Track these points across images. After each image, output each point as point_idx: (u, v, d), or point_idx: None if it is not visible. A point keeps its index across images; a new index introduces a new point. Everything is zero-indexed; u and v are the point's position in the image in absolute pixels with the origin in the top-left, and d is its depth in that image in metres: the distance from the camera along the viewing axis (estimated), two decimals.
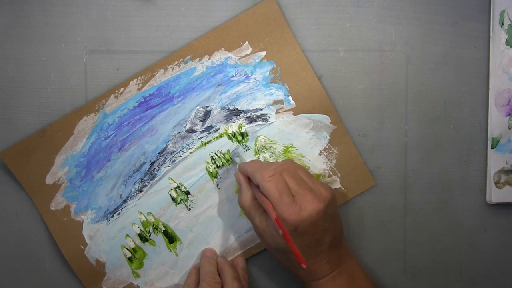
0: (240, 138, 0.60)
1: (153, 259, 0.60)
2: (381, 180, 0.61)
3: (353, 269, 0.55)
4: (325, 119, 0.60)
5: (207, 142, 0.59)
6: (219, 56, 0.59)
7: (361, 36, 0.60)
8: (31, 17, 0.58)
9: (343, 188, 0.60)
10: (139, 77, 0.58)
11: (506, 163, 0.60)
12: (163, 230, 0.59)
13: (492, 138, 0.60)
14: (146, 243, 0.59)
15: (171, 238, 0.60)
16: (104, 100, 0.58)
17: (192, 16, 0.59)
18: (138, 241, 0.59)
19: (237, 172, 0.56)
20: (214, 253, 0.59)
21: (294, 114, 0.60)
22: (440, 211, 0.62)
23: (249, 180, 0.55)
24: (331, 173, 0.60)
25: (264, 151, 0.60)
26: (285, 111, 0.60)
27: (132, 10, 0.59)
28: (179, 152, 0.59)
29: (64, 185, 0.59)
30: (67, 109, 0.59)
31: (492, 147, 0.60)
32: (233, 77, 0.59)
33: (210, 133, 0.59)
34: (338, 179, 0.60)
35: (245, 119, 0.59)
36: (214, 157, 0.59)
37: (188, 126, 0.59)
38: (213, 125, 0.59)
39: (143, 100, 0.59)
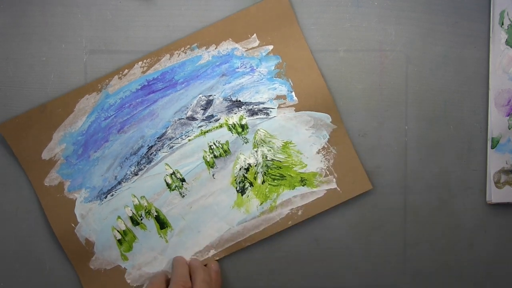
0: (240, 130, 0.60)
1: (142, 243, 0.59)
2: (381, 180, 0.61)
3: None
4: (326, 117, 0.60)
5: (207, 131, 0.59)
6: (226, 46, 0.59)
7: (361, 36, 0.60)
8: (31, 17, 0.58)
9: (338, 189, 0.60)
10: (145, 60, 0.58)
11: (506, 163, 0.61)
12: (155, 215, 0.59)
13: (492, 138, 0.61)
14: (137, 227, 0.59)
15: (162, 223, 0.59)
16: (107, 80, 0.58)
17: (192, 16, 0.59)
18: (129, 223, 0.59)
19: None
20: (185, 261, 0.59)
21: (295, 111, 0.60)
22: (440, 211, 0.62)
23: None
24: (328, 173, 0.60)
25: (262, 145, 0.60)
26: (287, 107, 0.60)
27: (132, 10, 0.59)
28: (177, 138, 0.59)
29: (60, 161, 0.58)
30: None
31: (492, 147, 0.61)
32: (238, 68, 0.59)
33: (210, 122, 0.59)
34: (334, 179, 0.60)
35: (246, 111, 0.59)
36: (212, 147, 0.59)
37: (189, 113, 0.59)
38: (214, 114, 0.59)
39: (146, 83, 0.58)
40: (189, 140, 0.59)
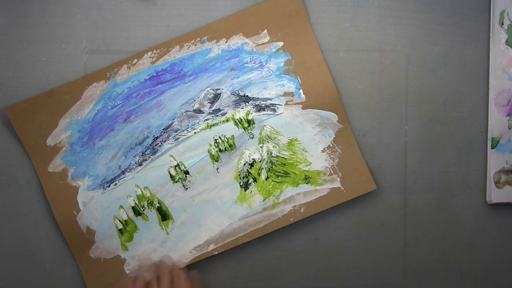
0: (246, 125, 0.60)
1: (143, 234, 0.59)
2: (381, 180, 0.61)
3: None
4: (332, 116, 0.60)
5: (213, 125, 0.59)
6: (236, 41, 0.59)
7: (361, 36, 0.60)
8: (31, 17, 0.58)
9: (342, 188, 0.60)
10: (154, 51, 0.58)
11: (506, 163, 0.61)
12: (157, 207, 0.59)
13: (492, 138, 0.61)
14: (138, 217, 0.59)
15: (164, 215, 0.59)
16: (116, 69, 0.58)
17: (192, 16, 0.59)
18: (131, 213, 0.59)
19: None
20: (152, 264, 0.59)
21: (303, 108, 0.60)
22: (440, 211, 0.62)
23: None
24: (332, 172, 0.60)
25: (268, 141, 0.60)
26: (294, 104, 0.60)
27: (132, 10, 0.59)
28: (183, 131, 0.59)
29: (64, 148, 0.58)
30: None
31: (492, 147, 0.61)
32: (247, 63, 0.59)
33: (217, 116, 0.59)
34: (338, 179, 0.60)
35: (253, 107, 0.59)
36: (217, 141, 0.59)
37: (196, 106, 0.59)
38: (221, 108, 0.59)
39: (155, 74, 0.58)
40: (195, 133, 0.59)
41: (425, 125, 0.61)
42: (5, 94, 0.58)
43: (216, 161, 0.60)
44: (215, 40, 0.59)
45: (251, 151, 0.60)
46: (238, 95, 0.59)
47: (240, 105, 0.59)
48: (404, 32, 0.61)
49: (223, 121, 0.59)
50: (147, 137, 0.59)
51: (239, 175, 0.60)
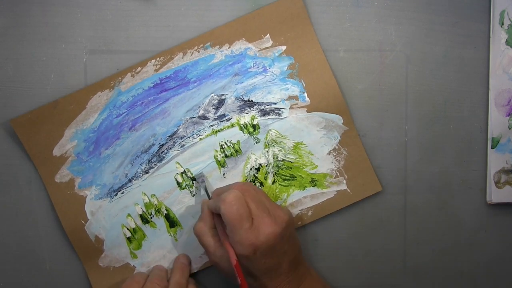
0: (251, 129, 0.60)
1: (152, 241, 0.59)
2: (381, 180, 0.61)
3: (314, 286, 0.55)
4: (337, 119, 0.60)
5: (218, 131, 0.59)
6: (239, 46, 0.59)
7: (361, 36, 0.60)
8: (31, 17, 0.58)
9: (349, 190, 0.60)
10: (158, 58, 0.58)
11: (506, 163, 0.61)
12: (165, 214, 0.59)
13: (492, 138, 0.61)
14: (146, 225, 0.59)
15: (172, 222, 0.59)
16: (120, 78, 0.58)
17: (192, 16, 0.59)
18: (139, 221, 0.59)
19: (204, 200, 0.57)
20: (165, 268, 0.59)
21: (307, 111, 0.60)
22: (440, 211, 0.62)
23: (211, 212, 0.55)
24: (338, 174, 0.60)
25: (274, 145, 0.60)
26: (299, 108, 0.60)
27: (132, 10, 0.59)
28: (189, 137, 0.59)
29: (71, 158, 0.58)
30: None
31: (492, 147, 0.61)
32: (251, 68, 0.59)
33: (222, 121, 0.59)
34: (344, 181, 0.60)
35: (258, 112, 0.59)
36: (223, 146, 0.59)
37: (201, 112, 0.59)
38: (225, 114, 0.59)
39: (159, 81, 0.58)
40: (201, 139, 0.59)
41: (425, 125, 0.61)
42: (5, 94, 0.58)
43: (223, 166, 0.60)
44: (218, 46, 0.59)
45: (257, 156, 0.60)
46: (243, 100, 0.59)
47: (244, 110, 0.59)
48: (404, 32, 0.61)
49: (228, 127, 0.60)
50: (153, 144, 0.59)
51: (245, 180, 0.60)
